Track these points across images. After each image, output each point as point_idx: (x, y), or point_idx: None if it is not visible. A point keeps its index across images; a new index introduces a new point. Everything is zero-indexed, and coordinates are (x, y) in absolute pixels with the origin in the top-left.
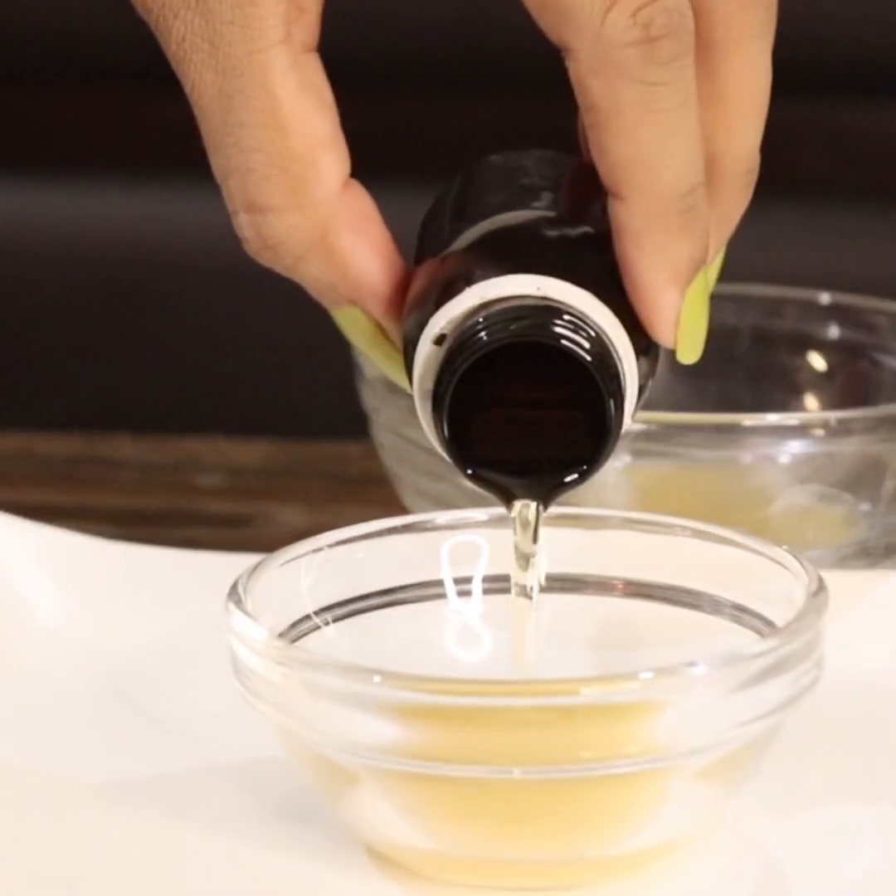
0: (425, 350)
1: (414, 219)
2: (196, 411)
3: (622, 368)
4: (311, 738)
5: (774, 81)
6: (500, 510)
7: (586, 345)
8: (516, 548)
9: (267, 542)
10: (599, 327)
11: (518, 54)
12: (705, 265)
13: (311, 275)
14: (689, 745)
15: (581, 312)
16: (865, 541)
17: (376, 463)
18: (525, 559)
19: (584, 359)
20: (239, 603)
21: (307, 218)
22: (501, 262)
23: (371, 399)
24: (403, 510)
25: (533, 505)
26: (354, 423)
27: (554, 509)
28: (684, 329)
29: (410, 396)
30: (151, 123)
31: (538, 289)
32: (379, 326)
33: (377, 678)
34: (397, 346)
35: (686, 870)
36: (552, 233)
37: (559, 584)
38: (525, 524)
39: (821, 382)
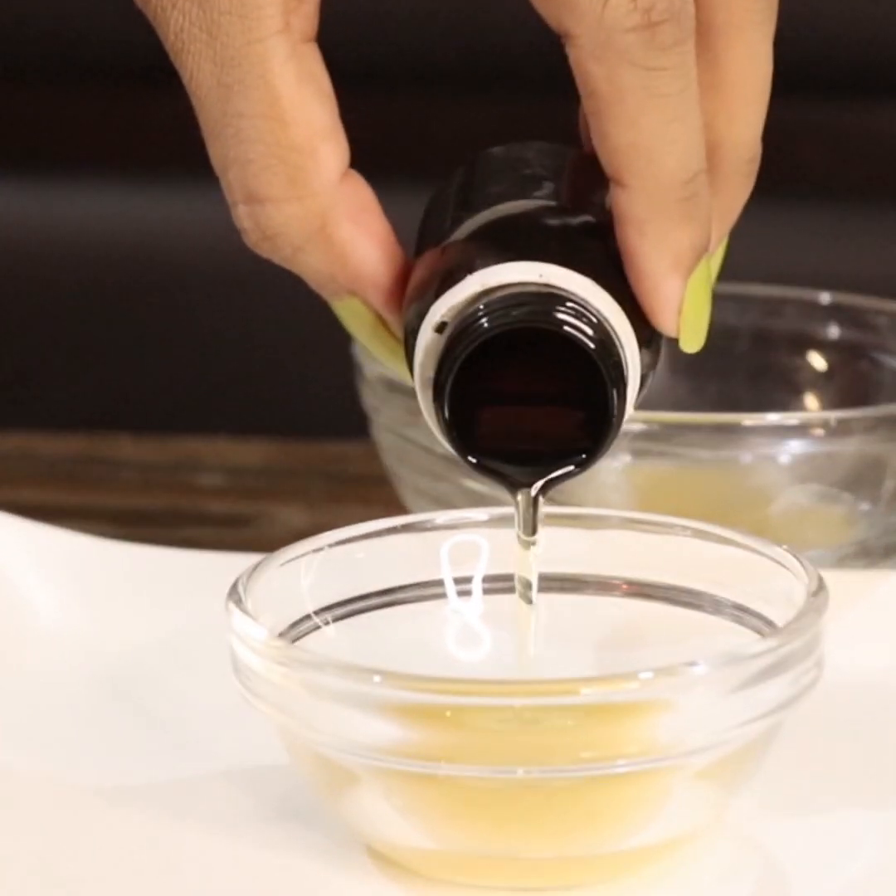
0: (426, 338)
1: (415, 216)
2: (196, 411)
3: (624, 356)
4: (311, 738)
5: (775, 81)
6: (500, 510)
7: (589, 331)
8: (517, 537)
9: (267, 542)
10: (602, 315)
11: (518, 54)
12: (708, 254)
13: (311, 265)
14: (689, 745)
15: (583, 299)
16: (865, 541)
17: (376, 463)
18: (525, 546)
19: (587, 345)
20: (239, 603)
21: (306, 208)
22: (503, 250)
23: (371, 399)
24: (403, 510)
25: (533, 493)
26: (354, 423)
27: (554, 509)
28: (687, 317)
29: (411, 395)
30: (151, 123)
31: (540, 276)
32: (379, 318)
33: (377, 678)
34: (398, 337)
35: (686, 870)
36: (554, 221)
37: (559, 584)
38: (525, 513)
39: (821, 382)
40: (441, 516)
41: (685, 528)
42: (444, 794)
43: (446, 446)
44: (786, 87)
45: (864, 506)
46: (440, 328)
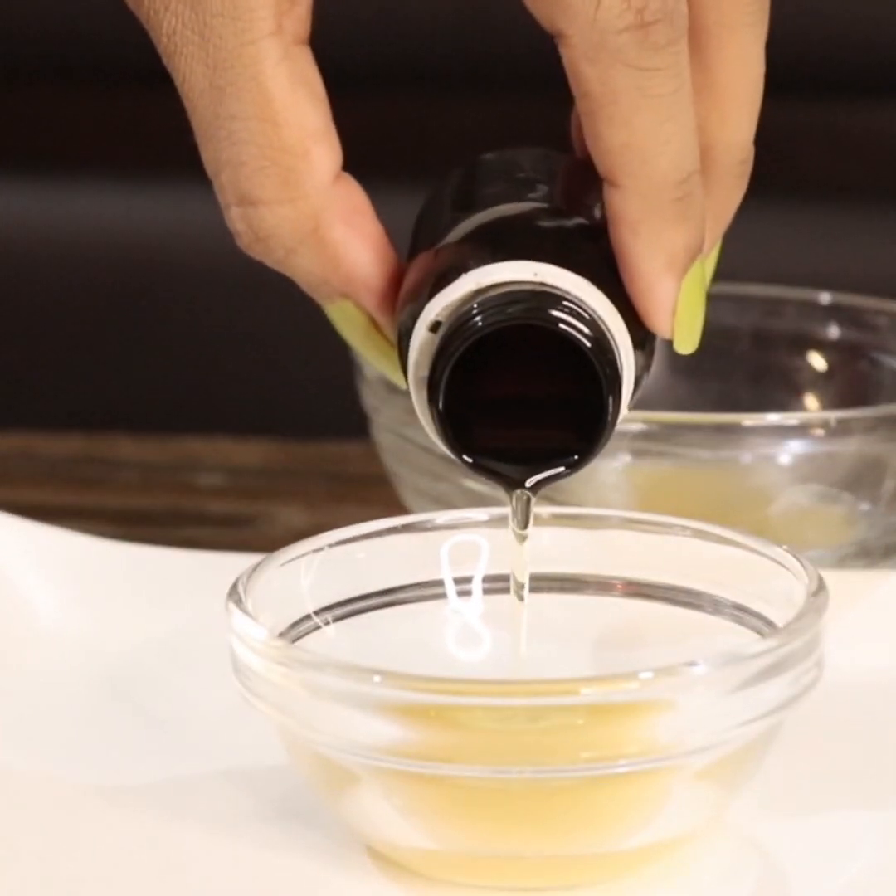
0: (420, 337)
1: (413, 219)
2: (196, 411)
3: (619, 355)
4: (311, 738)
5: (775, 82)
6: (500, 510)
7: (584, 330)
8: (512, 532)
9: (267, 542)
10: (597, 314)
11: (518, 54)
12: (702, 255)
13: (303, 268)
14: (689, 745)
15: (578, 298)
16: (865, 541)
17: (376, 463)
18: (519, 540)
19: (583, 343)
20: (239, 603)
21: (298, 210)
22: (497, 250)
23: (371, 399)
24: (403, 510)
25: (527, 492)
26: (354, 423)
27: (554, 509)
28: (681, 318)
29: (410, 396)
30: (151, 123)
31: (535, 274)
32: (372, 320)
33: (377, 678)
34: (390, 340)
35: (686, 870)
36: (549, 222)
37: (559, 584)
38: (518, 510)
39: (821, 382)
40: (441, 516)
41: (685, 528)
42: (444, 794)
43: (440, 445)
44: (785, 87)
45: (864, 506)
46: (434, 327)
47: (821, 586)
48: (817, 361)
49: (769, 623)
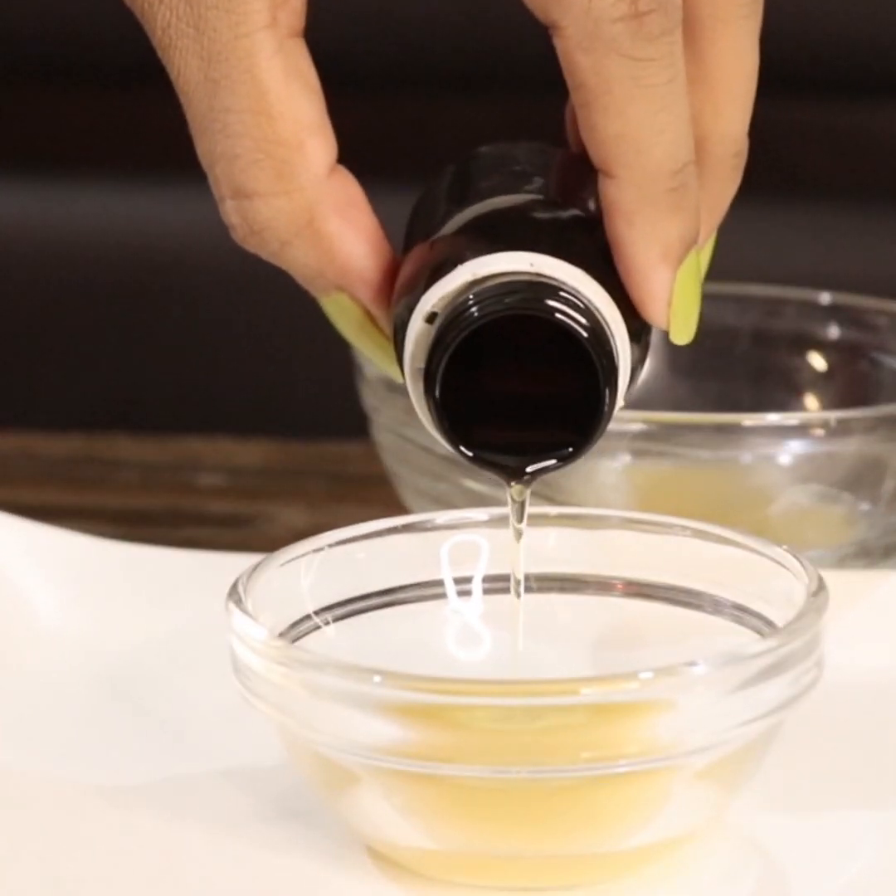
0: (416, 328)
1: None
2: (196, 411)
3: (616, 346)
4: (311, 738)
5: (775, 81)
6: (500, 510)
7: (581, 320)
8: (511, 528)
9: (267, 542)
10: (593, 305)
11: (518, 54)
12: (697, 246)
13: (298, 260)
14: (689, 744)
15: (574, 289)
16: (865, 541)
17: (376, 463)
18: (516, 535)
19: (579, 333)
20: (239, 603)
21: (293, 202)
22: (493, 241)
23: (371, 399)
24: (403, 510)
25: (523, 483)
26: (354, 423)
27: (554, 509)
28: (676, 308)
29: (408, 392)
30: (151, 123)
31: (531, 265)
32: (367, 313)
33: (377, 678)
34: (385, 333)
35: (686, 870)
36: (544, 214)
37: (559, 584)
38: (515, 502)
39: (821, 382)
40: (441, 516)
41: (685, 528)
42: (444, 794)
43: (436, 436)
44: (785, 86)
45: (864, 506)
46: (430, 318)
47: (821, 586)
48: (817, 361)
49: (769, 623)
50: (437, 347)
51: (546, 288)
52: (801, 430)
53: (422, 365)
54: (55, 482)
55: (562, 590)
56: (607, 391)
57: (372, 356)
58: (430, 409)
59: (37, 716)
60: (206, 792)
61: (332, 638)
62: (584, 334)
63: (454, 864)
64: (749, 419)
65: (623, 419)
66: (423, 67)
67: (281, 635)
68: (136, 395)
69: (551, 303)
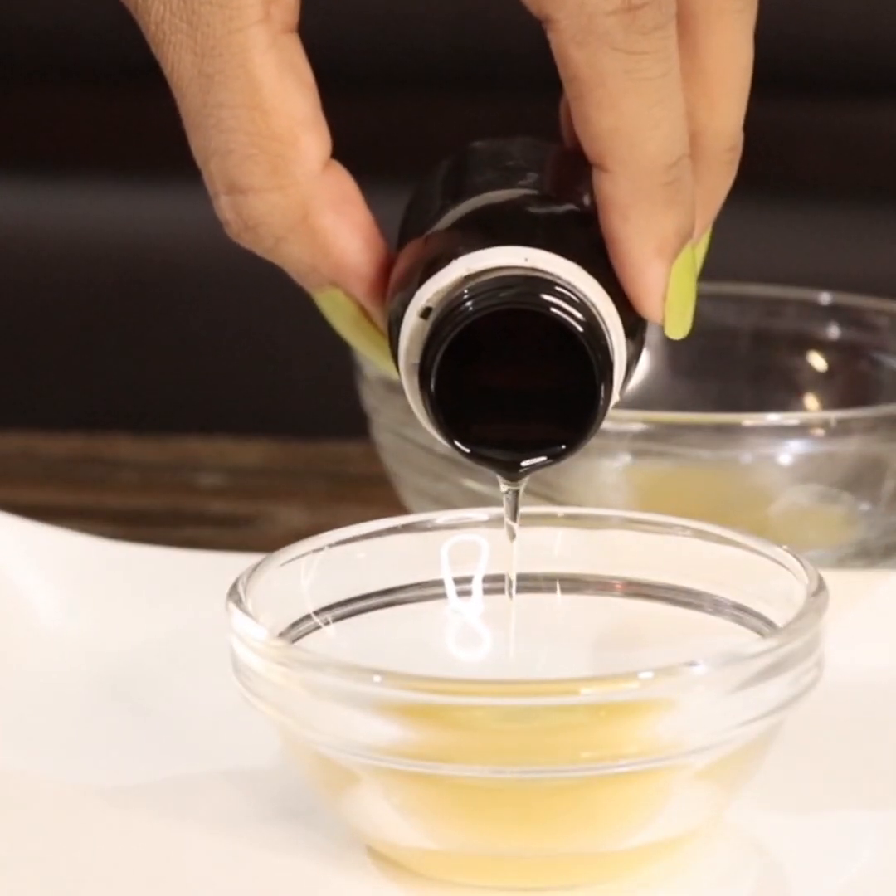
0: (411, 324)
1: None
2: (196, 411)
3: (611, 341)
4: (311, 738)
5: (775, 81)
6: (500, 510)
7: (576, 314)
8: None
9: (267, 542)
10: (588, 299)
11: (513, 51)
12: (692, 240)
13: (293, 256)
14: (689, 744)
15: (569, 283)
16: (865, 541)
17: (376, 463)
18: (510, 533)
19: (575, 328)
20: (239, 603)
21: (288, 197)
22: (488, 236)
23: (371, 399)
24: (403, 510)
25: (517, 478)
26: (354, 423)
27: (554, 509)
28: (672, 303)
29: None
30: (151, 123)
31: (526, 260)
32: (361, 309)
33: (377, 678)
34: (380, 329)
35: (686, 870)
36: (539, 208)
37: (559, 583)
38: (509, 497)
39: (821, 382)
40: (441, 516)
41: (685, 528)
42: (444, 793)
43: (431, 431)
44: (785, 86)
45: (864, 506)
46: (425, 313)
47: (821, 586)
48: (817, 361)
49: (769, 623)
50: (432, 342)
51: (541, 282)
52: (801, 430)
53: (417, 360)
54: (55, 482)
55: (562, 590)
56: (603, 386)
57: (367, 352)
58: (424, 405)
59: (37, 716)
60: (206, 792)
61: (332, 638)
62: (580, 329)
63: (454, 864)
64: (749, 419)
65: (623, 419)
66: (416, 64)
67: (281, 635)
68: (136, 395)
69: (546, 297)
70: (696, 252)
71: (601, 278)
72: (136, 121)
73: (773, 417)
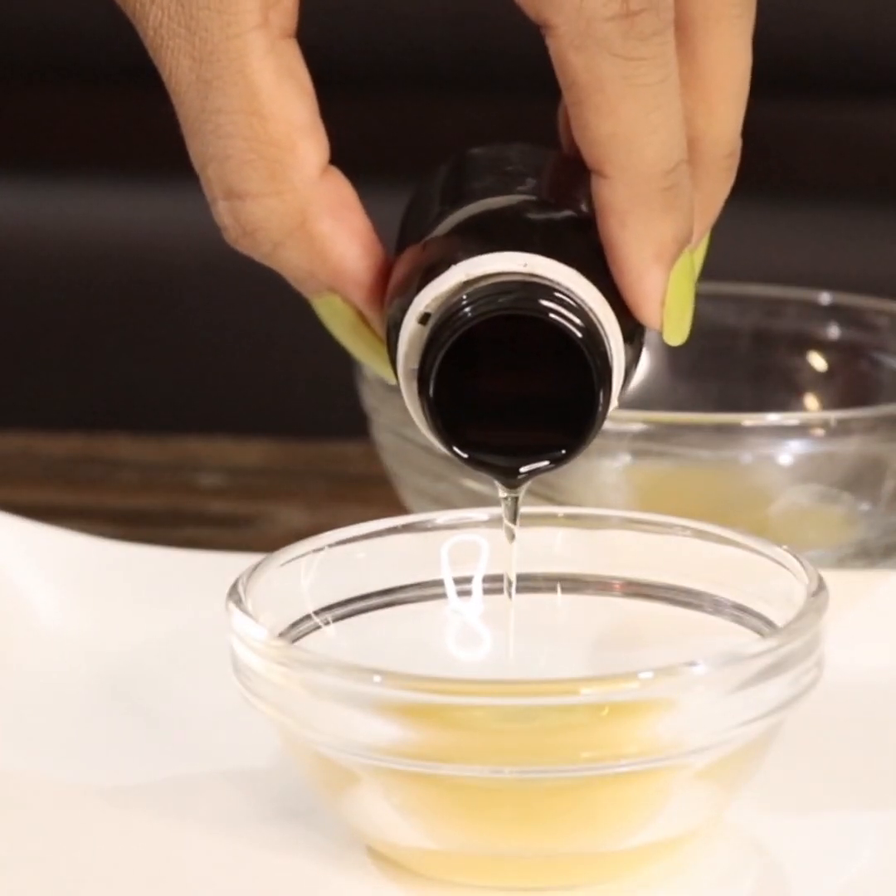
0: (410, 329)
1: None
2: (196, 411)
3: (609, 346)
4: (311, 738)
5: (775, 81)
6: (500, 510)
7: (575, 320)
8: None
9: (267, 542)
10: (587, 305)
11: (511, 54)
12: (690, 246)
13: (291, 262)
14: (689, 744)
15: (568, 289)
16: (865, 541)
17: (376, 463)
18: (509, 536)
19: (574, 333)
20: (239, 603)
21: (286, 203)
22: (487, 241)
23: (371, 399)
24: (403, 510)
25: (516, 483)
26: (354, 423)
27: (554, 509)
28: (670, 309)
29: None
30: (151, 123)
31: (524, 265)
32: (359, 315)
33: (377, 678)
34: (377, 335)
35: (686, 870)
36: (537, 214)
37: (559, 583)
38: (508, 502)
39: (821, 382)
40: (441, 516)
41: (685, 528)
42: (444, 793)
43: (430, 437)
44: (785, 87)
45: (864, 506)
46: (424, 319)
47: (821, 586)
48: (817, 361)
49: (769, 623)
50: (430, 348)
51: (540, 288)
52: (801, 430)
53: (415, 365)
54: (55, 482)
55: (562, 590)
56: (601, 392)
57: (364, 358)
58: (423, 410)
59: (37, 716)
60: (206, 792)
61: (332, 638)
62: (579, 334)
63: (454, 864)
64: (749, 419)
65: (623, 419)
66: (415, 68)
67: (281, 635)
68: (136, 395)
69: (545, 303)
70: (695, 258)
71: (600, 284)
72: (136, 121)
73: (773, 417)
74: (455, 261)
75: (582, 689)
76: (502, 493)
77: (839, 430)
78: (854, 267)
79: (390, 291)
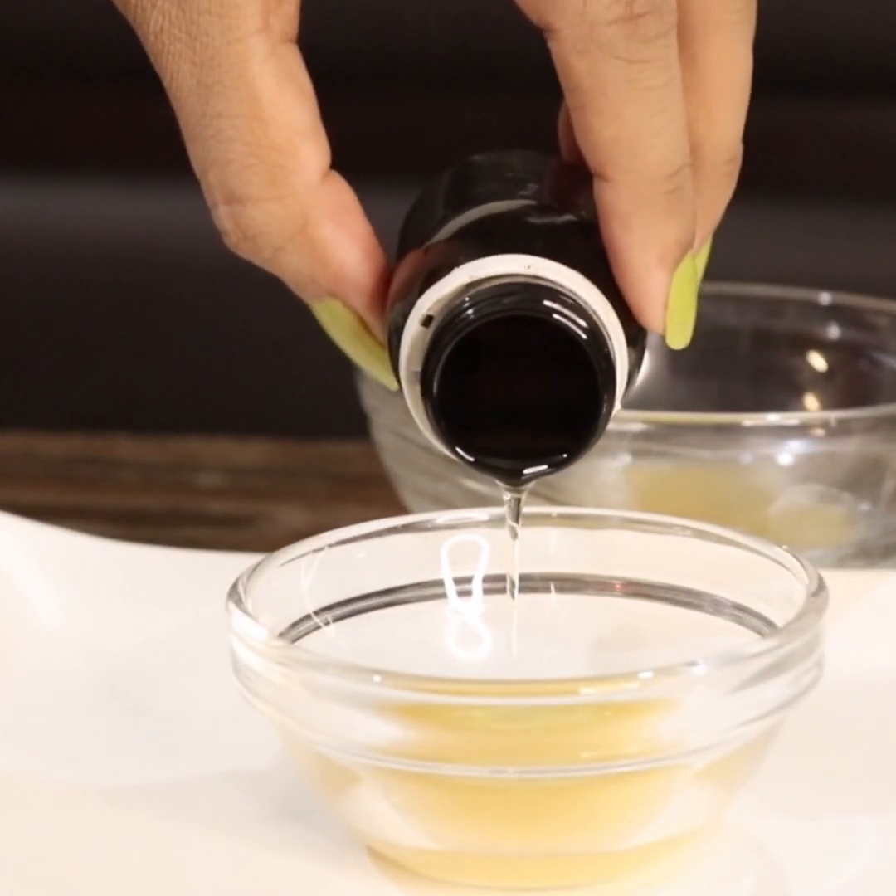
0: (412, 332)
1: None
2: (196, 411)
3: (612, 348)
4: (311, 738)
5: (775, 82)
6: (500, 510)
7: (580, 321)
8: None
9: (267, 542)
10: (591, 307)
11: (512, 58)
12: (693, 250)
13: (291, 266)
14: (689, 744)
15: (572, 291)
16: (865, 541)
17: (376, 463)
18: (512, 534)
19: (578, 335)
20: (239, 603)
21: (287, 208)
22: (489, 244)
23: (371, 399)
24: (403, 510)
25: (519, 486)
26: (354, 423)
27: (554, 509)
28: (673, 312)
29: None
30: (151, 123)
31: (528, 268)
32: (360, 320)
33: (377, 678)
34: (378, 340)
35: (686, 870)
36: (541, 218)
37: (559, 583)
38: (511, 503)
39: (821, 382)
40: (441, 516)
41: (685, 528)
42: (444, 793)
43: (433, 440)
44: (784, 87)
45: (864, 506)
46: (427, 321)
47: (821, 586)
48: (817, 361)
49: (769, 623)
50: (433, 350)
51: (543, 290)
52: (801, 430)
53: (418, 368)
54: (55, 482)
55: (561, 590)
56: (605, 394)
57: (365, 363)
58: (426, 413)
59: (37, 716)
60: (206, 792)
61: (332, 638)
62: (583, 336)
63: (454, 864)
64: (749, 419)
65: (623, 419)
66: (417, 72)
67: (281, 635)
68: (136, 395)
69: (549, 304)
70: (697, 262)
71: (603, 287)
72: (136, 121)
73: (773, 417)
74: (458, 263)
75: (582, 689)
76: (506, 495)
77: (839, 430)
78: (854, 267)
79: (392, 296)
